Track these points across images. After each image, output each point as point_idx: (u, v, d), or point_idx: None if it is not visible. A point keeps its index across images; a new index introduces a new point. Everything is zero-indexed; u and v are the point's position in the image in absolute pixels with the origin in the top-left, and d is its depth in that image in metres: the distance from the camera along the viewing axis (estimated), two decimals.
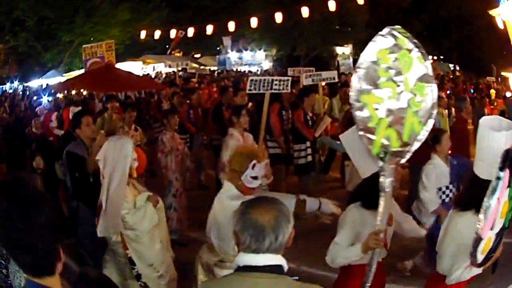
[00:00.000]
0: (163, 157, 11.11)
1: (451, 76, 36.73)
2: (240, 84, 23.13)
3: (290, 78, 11.43)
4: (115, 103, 13.76)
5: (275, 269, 3.34)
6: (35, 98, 25.36)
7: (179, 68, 29.82)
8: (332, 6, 28.03)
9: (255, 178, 5.96)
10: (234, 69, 44.62)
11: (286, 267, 3.38)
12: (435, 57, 54.50)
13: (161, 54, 46.00)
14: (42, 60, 41.73)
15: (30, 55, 43.25)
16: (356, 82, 4.66)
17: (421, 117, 4.60)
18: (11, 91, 36.86)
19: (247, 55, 55.90)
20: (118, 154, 7.09)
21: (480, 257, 4.45)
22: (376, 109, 4.64)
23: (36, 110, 18.06)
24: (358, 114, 4.66)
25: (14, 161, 13.77)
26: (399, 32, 4.70)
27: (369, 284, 5.08)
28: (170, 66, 28.43)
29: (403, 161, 4.74)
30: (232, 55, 54.07)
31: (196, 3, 51.27)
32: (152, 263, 7.33)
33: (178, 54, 51.96)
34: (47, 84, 34.93)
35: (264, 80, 10.92)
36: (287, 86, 10.79)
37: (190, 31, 33.18)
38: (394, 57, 4.63)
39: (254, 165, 5.93)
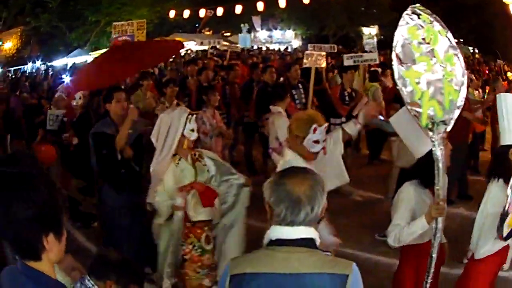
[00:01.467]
0: (207, 138, 10.84)
1: (471, 59, 36.51)
2: (269, 61, 23.04)
3: (325, 53, 12.46)
4: (150, 80, 13.33)
5: (308, 243, 3.30)
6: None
7: (210, 46, 29.74)
8: None
9: (316, 142, 6.03)
10: (264, 48, 44.32)
11: (318, 241, 3.36)
12: (456, 40, 54.74)
13: (191, 33, 45.87)
14: (68, 40, 41.66)
15: (53, 35, 42.36)
16: (396, 61, 4.81)
17: (455, 85, 4.85)
18: (33, 71, 36.56)
19: (277, 33, 56.24)
20: (169, 126, 7.02)
21: (506, 231, 4.76)
22: (418, 83, 4.81)
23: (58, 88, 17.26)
24: (403, 90, 4.80)
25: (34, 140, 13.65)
26: (419, 9, 4.97)
27: (435, 255, 5.11)
28: (202, 44, 28.19)
29: (448, 128, 4.88)
30: (262, 34, 54.48)
31: None
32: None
33: (208, 33, 51.69)
34: (73, 63, 35.11)
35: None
36: (322, 62, 10.69)
37: (219, 11, 33.11)
38: (421, 33, 4.86)
39: (315, 129, 5.99)
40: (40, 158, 10.74)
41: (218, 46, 25.97)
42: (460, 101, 4.86)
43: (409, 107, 4.84)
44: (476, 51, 52.20)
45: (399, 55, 4.83)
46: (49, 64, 38.73)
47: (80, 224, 11.04)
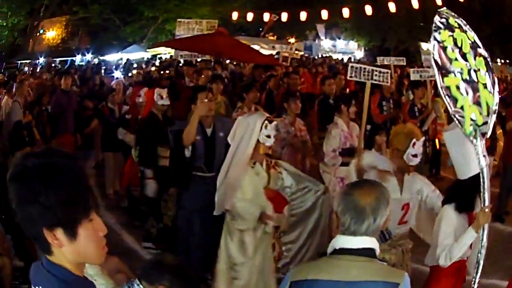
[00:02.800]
0: (277, 146, 10.12)
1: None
2: (335, 71, 22.96)
3: (389, 71, 11.47)
4: (220, 84, 12.99)
5: (368, 252, 3.51)
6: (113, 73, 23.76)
7: (274, 52, 29.68)
8: (415, 3, 28.51)
9: (415, 156, 6.37)
10: (326, 56, 44.80)
11: (378, 251, 3.58)
12: (503, 60, 55.30)
13: (255, 36, 46.13)
14: (122, 34, 41.28)
15: (105, 27, 42.06)
16: (436, 68, 4.91)
17: (489, 89, 4.96)
18: (82, 63, 36.02)
19: (340, 43, 56.48)
20: (245, 129, 7.00)
21: None
22: (458, 89, 4.89)
23: (112, 84, 17.87)
24: (447, 97, 4.88)
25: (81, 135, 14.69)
26: (446, 13, 5.08)
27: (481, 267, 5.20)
28: (273, 48, 28.34)
29: (488, 134, 5.03)
30: (326, 43, 54.67)
31: None
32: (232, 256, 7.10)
33: (272, 38, 51.69)
34: (127, 59, 35.04)
35: (365, 69, 10.98)
36: (386, 78, 11.17)
37: (284, 16, 33.36)
38: (453, 37, 4.94)
39: (414, 144, 6.35)
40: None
41: (281, 52, 26.17)
42: (495, 106, 4.97)
43: (454, 114, 4.90)
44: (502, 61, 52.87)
45: (437, 62, 4.88)
46: (101, 58, 38.54)
47: (139, 224, 10.83)
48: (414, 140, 6.35)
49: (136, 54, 38.52)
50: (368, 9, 30.41)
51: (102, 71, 26.53)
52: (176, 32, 21.25)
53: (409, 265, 6.71)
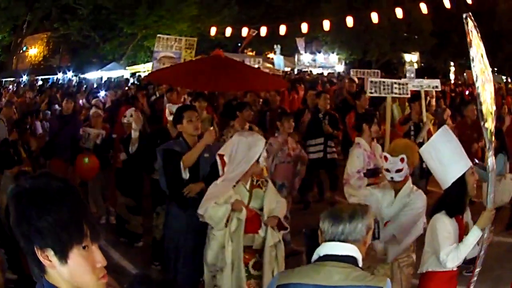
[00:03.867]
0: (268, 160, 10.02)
1: (503, 88, 36.88)
2: (316, 87, 22.92)
3: (407, 82, 11.79)
4: (203, 102, 12.66)
5: (351, 260, 3.83)
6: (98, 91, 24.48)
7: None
8: (399, 13, 28.31)
9: (387, 170, 6.77)
10: (308, 71, 44.65)
11: (360, 261, 3.87)
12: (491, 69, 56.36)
13: (233, 52, 46.13)
14: (101, 52, 41.55)
15: (85, 45, 42.56)
16: (476, 79, 5.08)
17: (490, 100, 5.20)
18: (64, 82, 36.67)
19: (320, 57, 56.49)
20: (246, 152, 7.12)
21: None
22: (484, 96, 5.12)
23: (93, 102, 18.05)
24: (480, 107, 5.15)
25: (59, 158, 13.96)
26: (468, 17, 5.32)
27: (479, 269, 5.68)
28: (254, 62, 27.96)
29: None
30: (306, 57, 54.49)
31: (267, 1, 51.61)
32: (210, 263, 7.21)
33: (250, 53, 51.94)
34: (107, 78, 35.49)
35: (384, 82, 11.06)
36: (406, 90, 10.70)
37: (263, 30, 33.16)
38: (478, 42, 5.17)
39: (386, 158, 6.75)
40: (81, 170, 12.07)
41: (261, 68, 25.90)
42: (494, 110, 5.26)
43: (483, 125, 5.19)
44: (510, 80, 53.12)
45: (476, 72, 5.09)
46: (81, 76, 39.07)
47: (124, 240, 11.39)
48: (384, 154, 6.85)
49: (116, 72, 38.86)
50: (350, 21, 30.17)
51: (82, 89, 27.31)
52: (154, 48, 21.18)
53: (406, 279, 6.85)
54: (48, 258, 2.46)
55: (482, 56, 5.28)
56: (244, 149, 7.08)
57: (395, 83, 10.62)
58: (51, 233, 2.42)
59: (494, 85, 5.60)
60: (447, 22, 52.71)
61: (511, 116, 14.35)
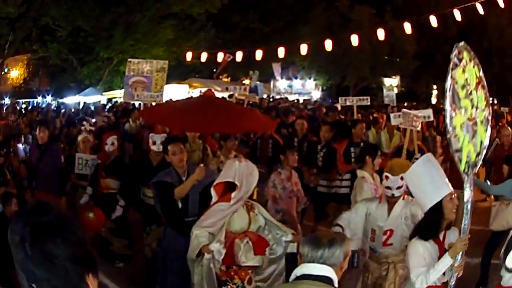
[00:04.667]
0: (272, 208, 10.44)
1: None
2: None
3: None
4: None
5: (326, 280, 4.06)
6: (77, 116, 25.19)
7: (227, 94, 29.16)
8: (381, 34, 27.59)
9: (388, 188, 7.45)
10: (283, 97, 44.12)
11: (336, 282, 4.10)
12: None
13: (208, 78, 45.79)
14: (79, 76, 41.63)
15: (63, 69, 43.10)
16: (449, 108, 5.24)
17: (484, 125, 5.36)
18: (43, 106, 36.96)
19: (297, 83, 56.26)
20: (250, 178, 7.73)
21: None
22: (461, 128, 5.28)
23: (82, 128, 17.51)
24: (452, 138, 5.29)
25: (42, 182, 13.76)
26: (462, 47, 5.42)
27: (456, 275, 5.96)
28: (227, 90, 27.46)
29: (476, 170, 5.51)
30: (282, 83, 54.46)
31: (244, 24, 51.36)
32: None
33: (226, 79, 52.32)
34: (84, 103, 35.79)
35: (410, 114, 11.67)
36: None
37: (239, 55, 32.74)
38: (465, 74, 5.28)
39: (386, 177, 7.43)
40: (87, 224, 11.59)
41: (236, 95, 25.35)
42: (487, 141, 5.40)
43: (454, 155, 5.37)
44: (495, 101, 53.00)
45: (449, 101, 5.22)
46: (60, 100, 39.46)
47: (105, 261, 11.57)
48: (386, 173, 7.35)
49: (93, 97, 39.31)
50: (328, 44, 29.40)
51: (61, 114, 27.99)
52: (126, 72, 20.73)
53: (399, 280, 7.50)
54: (89, 282, 2.49)
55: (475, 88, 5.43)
56: (247, 174, 7.68)
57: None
58: (89, 256, 2.52)
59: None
60: (432, 42, 52.54)
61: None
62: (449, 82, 5.23)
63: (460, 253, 5.86)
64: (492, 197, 13.39)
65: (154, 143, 11.02)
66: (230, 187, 7.73)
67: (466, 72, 5.31)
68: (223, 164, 10.51)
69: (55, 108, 33.33)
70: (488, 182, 12.03)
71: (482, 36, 52.47)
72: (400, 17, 41.65)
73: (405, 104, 36.83)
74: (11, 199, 9.37)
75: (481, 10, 22.50)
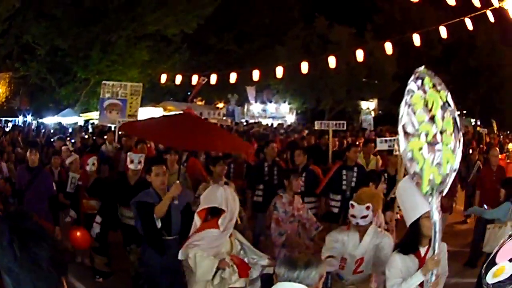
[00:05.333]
0: (276, 231, 10.53)
1: (471, 132, 36.93)
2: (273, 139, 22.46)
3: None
4: (174, 155, 13.75)
5: None
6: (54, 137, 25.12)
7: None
8: (360, 55, 27.37)
9: (353, 216, 7.66)
10: (257, 121, 44.11)
11: None
12: (459, 112, 56.13)
13: (183, 101, 45.72)
14: (57, 96, 41.80)
15: (42, 88, 43.57)
16: (402, 133, 5.45)
17: (452, 148, 5.34)
18: (23, 125, 37.33)
19: (271, 107, 56.75)
20: (233, 204, 7.89)
21: (491, 280, 4.96)
22: (420, 152, 5.36)
23: (59, 148, 18.10)
24: (408, 161, 5.46)
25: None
26: (423, 73, 5.49)
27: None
28: (201, 114, 27.49)
29: (445, 192, 5.51)
30: (256, 107, 55.06)
31: (219, 46, 51.64)
32: None
33: (200, 103, 52.71)
34: (59, 123, 36.06)
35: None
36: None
37: (213, 78, 32.69)
38: (424, 100, 5.36)
39: (352, 206, 7.68)
40: (75, 242, 12.03)
41: (209, 119, 25.28)
42: (456, 165, 5.39)
43: (413, 178, 5.50)
44: (479, 123, 53.04)
45: (405, 127, 5.40)
46: (39, 120, 39.88)
47: (86, 275, 12.22)
48: (352, 202, 7.63)
49: (70, 118, 39.69)
50: (304, 66, 29.22)
51: (42, 135, 28.76)
52: (101, 95, 20.75)
53: None
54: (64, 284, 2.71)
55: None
56: (232, 200, 7.84)
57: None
58: (63, 261, 2.73)
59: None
60: (413, 62, 51.07)
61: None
62: (402, 108, 5.47)
63: (434, 270, 5.95)
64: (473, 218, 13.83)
65: (132, 161, 11.42)
66: (213, 212, 7.86)
67: (427, 97, 5.38)
68: None
69: (35, 128, 34.05)
70: (485, 206, 12.31)
71: (469, 54, 52.93)
72: (381, 36, 41.46)
73: (382, 128, 36.86)
74: None
75: (470, 26, 22.20)
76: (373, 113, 54.29)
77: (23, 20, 37.46)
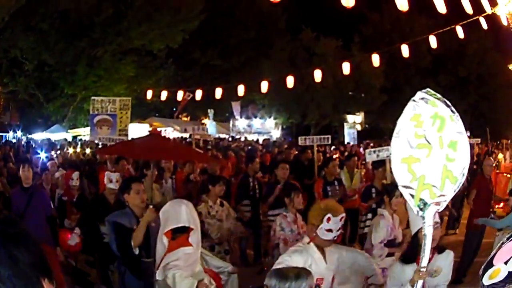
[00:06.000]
0: (285, 251, 9.71)
1: None
2: (255, 154, 22.57)
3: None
4: (154, 171, 13.48)
5: None
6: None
7: (187, 135, 29.27)
8: (346, 69, 27.58)
9: (329, 230, 6.87)
10: (243, 137, 44.33)
11: None
12: None
13: (168, 117, 45.92)
14: (45, 112, 43.74)
15: (31, 104, 44.27)
16: (396, 148, 5.27)
17: (455, 170, 5.18)
18: (14, 140, 37.66)
19: (256, 122, 57.00)
20: (197, 219, 7.80)
21: (487, 281, 4.96)
22: (415, 168, 5.22)
23: (47, 164, 18.72)
24: (398, 174, 5.27)
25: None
26: (429, 95, 5.30)
27: None
28: (185, 130, 27.50)
29: (440, 209, 5.38)
30: (241, 122, 55.06)
31: (204, 61, 51.74)
32: None
33: (185, 119, 53.45)
34: (48, 139, 35.94)
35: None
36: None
37: (198, 94, 33.52)
38: (427, 120, 5.21)
39: (329, 219, 6.83)
40: (67, 245, 12.02)
41: (193, 135, 25.43)
42: (457, 187, 5.25)
43: (402, 190, 5.30)
44: (468, 134, 53.28)
45: (399, 143, 5.25)
46: (29, 136, 40.11)
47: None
48: (328, 215, 6.94)
49: (59, 134, 39.60)
50: (290, 80, 29.48)
51: (30, 150, 28.72)
52: (90, 111, 20.84)
53: None
54: (45, 286, 2.68)
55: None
56: (195, 215, 7.73)
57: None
58: (46, 264, 2.72)
59: None
60: (401, 74, 52.86)
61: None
62: (400, 126, 5.28)
63: (420, 282, 5.83)
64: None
65: (110, 181, 11.44)
66: (179, 230, 7.66)
67: (429, 118, 5.27)
68: (212, 208, 11.34)
69: (24, 144, 34.21)
70: (492, 215, 12.69)
71: (459, 63, 53.51)
72: (368, 48, 41.70)
73: (368, 142, 37.01)
74: None
75: (461, 34, 22.41)
76: (359, 127, 54.43)
77: (11, 33, 38.03)
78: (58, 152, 26.72)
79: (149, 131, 19.48)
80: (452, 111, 5.21)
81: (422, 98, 5.27)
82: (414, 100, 5.26)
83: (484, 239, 13.72)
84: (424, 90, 5.37)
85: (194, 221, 7.64)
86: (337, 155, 21.37)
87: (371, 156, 14.60)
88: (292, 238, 10.33)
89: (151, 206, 8.92)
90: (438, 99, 5.28)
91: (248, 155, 21.20)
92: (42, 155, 22.47)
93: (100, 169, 16.83)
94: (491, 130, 41.87)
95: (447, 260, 6.86)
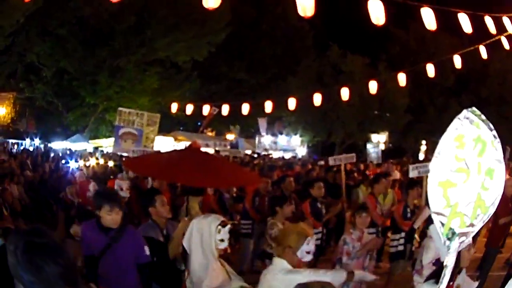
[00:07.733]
0: (349, 260, 10.69)
1: None
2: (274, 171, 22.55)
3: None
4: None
5: None
6: (63, 162, 26.68)
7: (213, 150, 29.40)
8: (373, 87, 28.06)
9: (308, 252, 7.09)
10: (268, 153, 45.02)
11: None
12: None
13: (193, 131, 46.12)
14: (65, 121, 42.34)
15: (49, 111, 44.34)
16: (435, 169, 5.00)
17: (488, 200, 4.89)
18: (31, 148, 38.03)
19: (282, 140, 57.70)
20: (201, 233, 7.51)
21: None
22: (450, 194, 4.94)
23: (75, 175, 18.85)
24: (432, 198, 4.97)
25: (37, 221, 15.13)
26: (474, 115, 4.99)
27: None
28: (207, 145, 27.45)
29: (467, 241, 5.05)
30: (267, 139, 55.23)
31: (231, 75, 51.84)
32: None
33: (210, 134, 53.14)
34: (69, 149, 36.34)
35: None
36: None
37: (225, 109, 33.68)
38: (469, 143, 4.92)
39: (309, 241, 7.11)
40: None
41: (220, 150, 25.68)
42: (487, 218, 4.96)
43: (434, 216, 5.02)
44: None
45: (439, 164, 4.99)
46: (49, 145, 40.20)
47: None
48: (308, 237, 7.16)
49: (80, 144, 40.15)
50: (317, 98, 29.96)
51: (50, 159, 29.36)
52: (116, 122, 21.00)
53: None
54: None
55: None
56: (200, 231, 7.48)
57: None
58: (74, 276, 3.04)
59: None
60: (426, 93, 53.10)
61: None
62: (441, 146, 5.00)
63: None
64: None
65: (121, 189, 11.72)
66: None
67: (472, 140, 4.96)
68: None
69: (43, 152, 34.59)
70: None
71: (481, 84, 53.67)
72: (394, 66, 42.19)
73: (392, 161, 37.28)
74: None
75: (484, 54, 22.51)
76: (383, 146, 54.64)
77: (26, 36, 38.11)
78: (88, 163, 25.85)
79: (189, 145, 19.09)
80: (494, 136, 4.96)
81: (467, 118, 5.00)
82: (459, 119, 5.00)
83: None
84: (469, 109, 5.07)
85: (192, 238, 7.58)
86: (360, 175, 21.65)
87: (413, 172, 14.92)
88: (353, 253, 10.71)
89: (185, 218, 9.05)
90: (483, 121, 5.02)
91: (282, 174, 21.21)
92: (73, 164, 22.98)
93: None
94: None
95: (463, 276, 7.00)
